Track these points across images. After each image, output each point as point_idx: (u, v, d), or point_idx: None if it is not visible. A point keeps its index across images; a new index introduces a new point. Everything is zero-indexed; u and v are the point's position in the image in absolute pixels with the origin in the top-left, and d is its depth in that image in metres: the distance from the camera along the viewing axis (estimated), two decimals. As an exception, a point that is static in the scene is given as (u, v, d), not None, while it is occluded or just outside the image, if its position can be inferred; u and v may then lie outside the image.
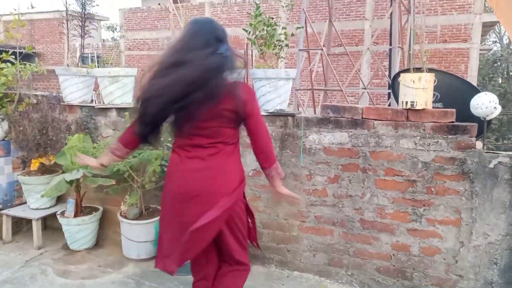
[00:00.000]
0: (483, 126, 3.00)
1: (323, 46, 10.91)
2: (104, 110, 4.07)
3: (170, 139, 3.58)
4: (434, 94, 3.03)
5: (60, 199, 4.19)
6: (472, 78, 13.45)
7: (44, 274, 3.42)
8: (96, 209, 3.99)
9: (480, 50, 14.73)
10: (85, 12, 4.49)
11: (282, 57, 3.68)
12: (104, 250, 3.88)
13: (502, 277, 2.88)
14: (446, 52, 13.93)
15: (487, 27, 15.15)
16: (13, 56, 4.22)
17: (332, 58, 12.86)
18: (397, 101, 3.19)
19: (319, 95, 13.16)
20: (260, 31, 3.47)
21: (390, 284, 3.17)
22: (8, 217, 4.01)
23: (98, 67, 4.38)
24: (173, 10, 4.55)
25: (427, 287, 3.06)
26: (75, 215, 3.79)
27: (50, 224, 4.29)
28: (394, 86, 3.88)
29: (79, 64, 4.47)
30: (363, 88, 11.39)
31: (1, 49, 4.17)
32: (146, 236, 3.62)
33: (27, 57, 4.39)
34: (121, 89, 3.99)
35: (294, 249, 3.45)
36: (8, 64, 4.12)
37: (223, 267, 2.43)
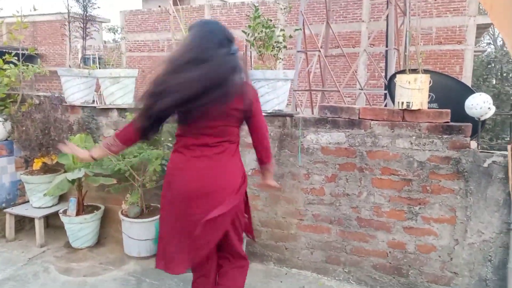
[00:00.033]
0: (477, 126, 3.03)
1: (321, 47, 10.97)
2: (106, 111, 4.12)
3: (170, 139, 3.64)
4: (429, 95, 3.08)
5: (62, 198, 4.24)
6: (467, 79, 13.53)
7: (46, 272, 3.46)
8: (97, 208, 4.04)
9: (475, 51, 14.81)
10: (87, 14, 4.53)
11: (280, 58, 3.73)
12: (106, 248, 3.93)
13: (496, 274, 2.93)
14: (441, 53, 14.02)
15: (481, 29, 15.22)
16: (16, 58, 4.25)
17: (329, 59, 12.93)
18: (393, 102, 3.24)
19: (317, 96, 13.20)
20: (258, 33, 3.52)
21: (386, 281, 3.22)
22: (11, 216, 4.05)
23: (99, 68, 4.42)
24: (173, 12, 4.59)
25: (422, 284, 3.12)
26: (77, 214, 3.84)
27: (52, 223, 4.33)
28: (390, 87, 3.92)
29: (81, 65, 4.51)
30: (360, 89, 11.47)
31: (4, 50, 4.21)
32: (147, 234, 3.67)
33: (29, 59, 4.44)
34: (122, 90, 4.04)
35: (292, 247, 3.51)
36: (11, 65, 4.15)
37: (224, 264, 2.45)
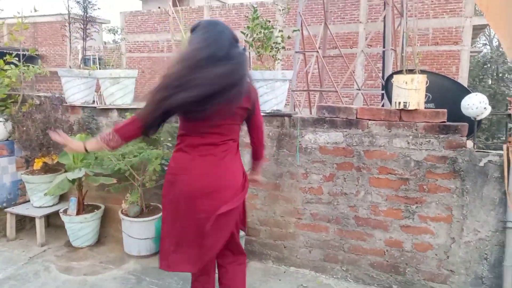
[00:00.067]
0: (473, 125, 3.06)
1: (319, 48, 11.00)
2: (106, 111, 4.14)
3: (170, 139, 3.67)
4: (426, 95, 3.09)
5: (62, 198, 4.27)
6: (463, 79, 13.58)
7: (47, 271, 3.48)
8: (98, 207, 4.07)
9: (471, 52, 14.87)
10: (87, 15, 4.56)
11: (278, 59, 3.76)
12: (106, 247, 3.95)
13: (492, 272, 2.96)
14: (437, 54, 14.08)
15: (478, 30, 15.30)
16: (17, 58, 4.27)
17: (327, 60, 12.97)
18: (390, 102, 3.27)
19: (315, 96, 13.23)
20: (257, 34, 3.55)
21: (383, 279, 3.25)
22: (12, 215, 4.07)
23: (99, 68, 4.45)
24: (173, 13, 4.63)
25: (419, 282, 3.15)
26: (78, 213, 3.87)
27: (53, 222, 4.36)
28: (387, 87, 3.95)
29: (81, 66, 4.54)
30: (357, 89, 11.51)
31: (5, 51, 4.23)
32: (147, 233, 3.69)
33: (30, 59, 4.47)
34: (122, 90, 4.07)
35: (290, 245, 3.54)
36: (12, 66, 4.18)
37: (224, 263, 2.47)
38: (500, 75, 19.62)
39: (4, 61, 4.20)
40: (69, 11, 4.52)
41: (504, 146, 2.84)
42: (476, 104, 2.99)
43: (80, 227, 3.84)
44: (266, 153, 3.51)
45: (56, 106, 4.16)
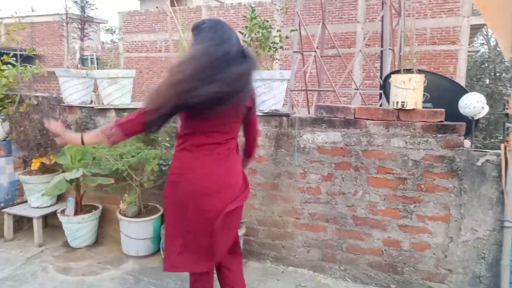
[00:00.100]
0: (471, 125, 3.06)
1: (317, 48, 10.99)
2: (103, 111, 4.14)
3: (168, 139, 3.67)
4: (424, 95, 3.10)
5: (60, 198, 4.26)
6: (461, 79, 13.63)
7: (45, 271, 3.47)
8: (95, 208, 4.06)
9: (468, 51, 14.91)
10: (85, 15, 4.55)
11: (276, 59, 3.77)
12: (104, 248, 3.94)
13: (489, 271, 2.97)
14: (435, 53, 14.12)
15: (475, 29, 15.35)
16: (14, 58, 4.26)
17: (325, 59, 12.97)
18: (388, 102, 3.27)
19: (313, 96, 13.24)
20: (255, 34, 3.55)
21: (381, 279, 3.26)
22: (9, 216, 4.07)
23: (97, 69, 4.44)
24: (171, 13, 4.63)
25: (417, 281, 3.15)
26: (75, 213, 3.86)
27: (50, 222, 4.35)
28: (385, 87, 3.95)
29: (79, 66, 4.53)
30: (355, 89, 11.51)
31: (2, 51, 4.21)
32: (145, 233, 3.69)
33: (28, 59, 4.46)
34: (119, 90, 4.07)
35: (289, 245, 3.54)
36: (9, 66, 4.16)
37: (224, 262, 2.46)
38: (498, 74, 19.66)
39: (1, 61, 4.18)
40: (66, 11, 4.51)
41: (502, 146, 2.85)
42: (473, 104, 2.99)
43: (78, 228, 3.84)
44: (264, 153, 3.51)
45: (53, 106, 4.16)
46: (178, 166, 2.23)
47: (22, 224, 4.30)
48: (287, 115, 3.44)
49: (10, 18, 4.31)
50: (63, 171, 3.90)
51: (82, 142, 2.22)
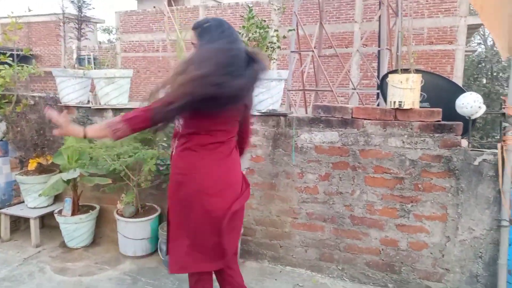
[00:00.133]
0: (468, 124, 3.06)
1: (314, 48, 10.99)
2: (101, 111, 4.13)
3: (165, 139, 3.67)
4: (421, 94, 3.10)
5: (57, 198, 4.25)
6: (458, 78, 13.66)
7: (42, 272, 3.46)
8: (93, 208, 4.05)
9: (465, 51, 14.95)
10: (82, 15, 4.55)
11: (274, 58, 3.76)
12: (101, 248, 3.94)
13: (487, 270, 2.98)
14: (432, 53, 14.15)
15: (472, 29, 15.38)
16: (11, 58, 4.25)
17: (322, 59, 12.96)
18: (385, 101, 3.27)
19: (311, 96, 13.25)
20: (253, 33, 3.55)
21: (379, 278, 3.26)
22: (6, 216, 4.06)
23: (94, 68, 4.43)
24: (168, 13, 4.62)
25: (414, 280, 3.16)
26: (72, 214, 3.85)
27: (47, 223, 4.34)
28: (382, 86, 3.95)
29: (76, 65, 4.53)
30: (352, 89, 11.52)
31: (-1, 51, 4.21)
32: (143, 233, 3.69)
33: (24, 59, 4.44)
34: (117, 90, 4.06)
35: (286, 245, 3.54)
36: (6, 66, 4.15)
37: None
38: (495, 74, 19.72)
39: (-2, 61, 4.18)
40: (63, 11, 4.51)
41: (499, 145, 2.86)
42: (470, 103, 2.99)
43: (75, 228, 3.83)
44: (262, 153, 3.52)
45: (50, 106, 4.13)
46: (182, 166, 2.21)
47: (19, 224, 4.29)
48: (285, 115, 3.44)
49: (6, 18, 4.30)
50: (60, 171, 3.90)
51: (85, 136, 2.17)
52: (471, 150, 2.97)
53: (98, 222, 4.09)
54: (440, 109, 2.99)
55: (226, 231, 2.17)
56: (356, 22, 15.11)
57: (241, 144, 2.54)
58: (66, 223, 3.83)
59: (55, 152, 3.97)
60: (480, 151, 2.97)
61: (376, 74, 11.07)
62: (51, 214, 4.00)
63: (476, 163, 2.94)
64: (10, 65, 4.21)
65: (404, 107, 2.98)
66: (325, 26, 12.40)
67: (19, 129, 3.98)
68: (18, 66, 4.25)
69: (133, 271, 3.49)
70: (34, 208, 4.09)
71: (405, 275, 3.18)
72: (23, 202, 4.20)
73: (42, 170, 4.17)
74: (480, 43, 25.79)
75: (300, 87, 12.40)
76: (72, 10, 4.55)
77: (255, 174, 3.56)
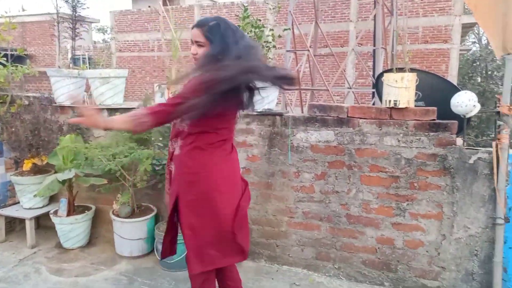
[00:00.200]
0: (463, 123, 3.07)
1: (310, 47, 11.00)
2: (96, 111, 4.11)
3: (161, 139, 3.66)
4: (416, 93, 3.11)
5: (52, 199, 4.23)
6: (453, 77, 13.71)
7: (37, 273, 3.45)
8: (88, 208, 4.04)
9: (460, 50, 15.02)
10: (76, 15, 4.53)
11: (270, 58, 3.76)
12: (97, 248, 3.92)
13: (482, 268, 3.00)
14: (427, 52, 14.20)
15: (467, 28, 15.46)
16: (5, 58, 4.23)
17: (318, 58, 12.97)
18: (380, 100, 3.28)
19: (306, 95, 13.25)
20: (248, 33, 3.55)
21: (375, 276, 3.27)
22: (1, 217, 4.04)
23: (89, 68, 4.42)
24: (163, 12, 4.61)
25: (411, 278, 3.17)
26: (68, 214, 3.84)
27: (43, 223, 4.32)
28: (378, 85, 3.96)
29: (71, 65, 4.52)
30: (348, 88, 11.54)
31: (-7, 51, 4.19)
32: (139, 233, 3.67)
33: (18, 59, 4.42)
34: (112, 90, 4.05)
35: (283, 244, 3.54)
36: (0, 66, 4.13)
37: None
38: (489, 73, 19.85)
39: (-9, 61, 4.15)
40: (57, 11, 4.48)
41: (493, 143, 2.87)
42: (465, 102, 3.00)
43: (71, 228, 3.81)
44: (258, 152, 3.52)
45: (45, 107, 4.13)
46: (193, 165, 2.19)
47: (14, 225, 4.27)
48: (281, 114, 3.45)
49: (0, 18, 4.28)
50: (55, 172, 3.88)
51: (107, 128, 2.15)
52: (466, 148, 2.98)
53: (94, 223, 4.08)
54: (435, 108, 3.00)
55: (241, 226, 2.23)
56: (351, 21, 15.15)
57: None
58: (61, 223, 3.81)
59: (50, 152, 3.95)
60: (475, 149, 2.98)
61: (371, 73, 11.09)
62: (46, 215, 3.98)
63: (471, 161, 2.95)
64: (4, 65, 4.18)
65: (399, 106, 2.99)
66: (321, 25, 12.41)
67: (13, 129, 3.96)
68: (12, 66, 4.22)
69: (129, 271, 3.48)
70: (30, 208, 4.07)
71: (401, 273, 3.19)
72: (18, 202, 4.18)
73: (37, 170, 4.15)
74: (474, 42, 25.94)
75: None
76: (66, 9, 4.53)
77: (251, 174, 3.56)
